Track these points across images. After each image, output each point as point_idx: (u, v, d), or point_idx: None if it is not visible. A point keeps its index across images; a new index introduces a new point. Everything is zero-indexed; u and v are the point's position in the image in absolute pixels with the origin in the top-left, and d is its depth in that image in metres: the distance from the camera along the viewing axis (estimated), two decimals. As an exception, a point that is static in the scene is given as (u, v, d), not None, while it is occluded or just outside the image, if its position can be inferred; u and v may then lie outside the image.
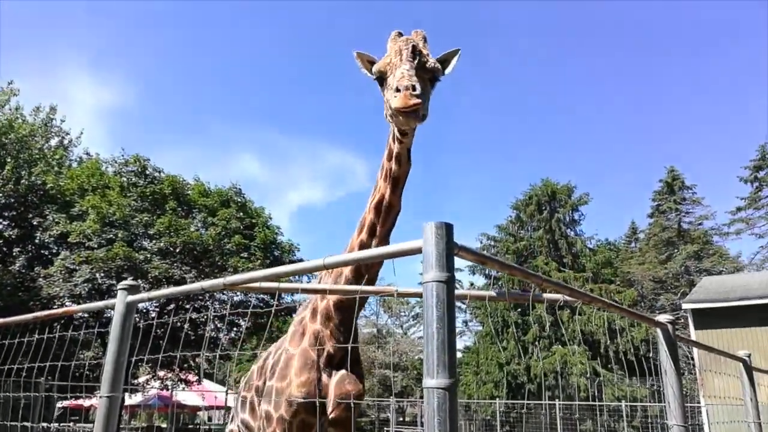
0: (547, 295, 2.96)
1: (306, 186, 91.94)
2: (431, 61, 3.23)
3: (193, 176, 23.69)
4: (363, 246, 3.46)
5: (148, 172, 22.56)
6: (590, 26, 78.77)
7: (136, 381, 23.77)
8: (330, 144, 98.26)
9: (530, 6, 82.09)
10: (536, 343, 33.08)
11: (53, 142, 26.24)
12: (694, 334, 20.76)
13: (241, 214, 23.10)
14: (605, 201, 76.20)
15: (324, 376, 3.55)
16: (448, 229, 1.75)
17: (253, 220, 23.61)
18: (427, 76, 3.20)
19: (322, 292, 3.09)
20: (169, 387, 24.72)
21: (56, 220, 20.01)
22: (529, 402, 29.92)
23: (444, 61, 3.39)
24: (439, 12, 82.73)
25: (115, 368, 2.74)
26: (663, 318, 3.33)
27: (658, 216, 46.57)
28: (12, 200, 20.52)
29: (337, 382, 3.54)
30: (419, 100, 2.79)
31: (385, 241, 3.44)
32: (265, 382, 3.89)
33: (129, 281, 2.93)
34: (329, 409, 3.47)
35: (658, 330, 3.28)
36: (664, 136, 75.24)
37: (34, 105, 26.01)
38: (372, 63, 3.40)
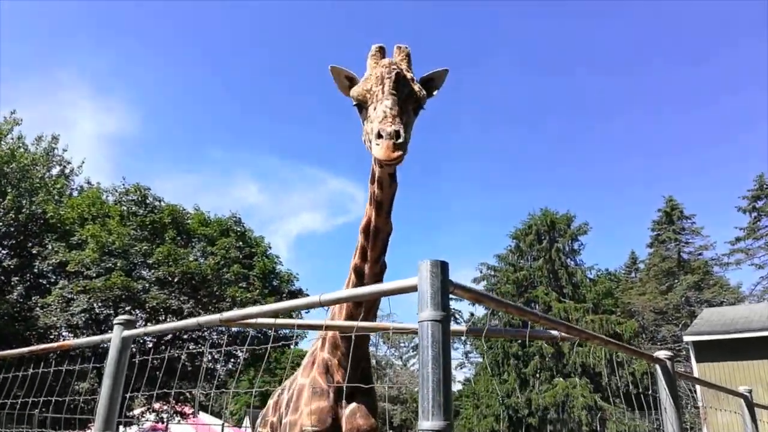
0: (544, 332, 2.95)
1: (306, 213, 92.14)
2: (416, 89, 3.02)
3: (192, 205, 23.78)
4: (357, 269, 3.34)
5: (148, 201, 22.62)
6: (590, 52, 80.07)
7: (130, 413, 23.38)
8: (330, 171, 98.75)
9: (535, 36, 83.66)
10: (537, 375, 32.69)
11: (54, 171, 26.37)
12: (695, 367, 20.51)
13: (241, 243, 23.07)
14: (605, 231, 76.25)
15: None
16: (443, 267, 1.75)
17: (252, 250, 23.57)
18: (412, 106, 3.00)
19: (318, 328, 3.08)
20: (164, 420, 24.29)
21: (55, 249, 19.96)
22: (530, 436, 29.39)
23: (430, 80, 3.19)
24: (434, 40, 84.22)
25: (110, 403, 2.71)
26: (662, 354, 3.31)
27: (658, 246, 46.49)
28: (12, 229, 20.50)
29: (348, 415, 3.37)
30: (402, 152, 2.59)
31: (376, 264, 3.27)
32: (280, 419, 3.76)
33: (125, 316, 2.92)
34: None
35: (657, 366, 3.25)
36: (662, 165, 75.72)
37: (36, 134, 26.19)
38: (350, 79, 3.15)
